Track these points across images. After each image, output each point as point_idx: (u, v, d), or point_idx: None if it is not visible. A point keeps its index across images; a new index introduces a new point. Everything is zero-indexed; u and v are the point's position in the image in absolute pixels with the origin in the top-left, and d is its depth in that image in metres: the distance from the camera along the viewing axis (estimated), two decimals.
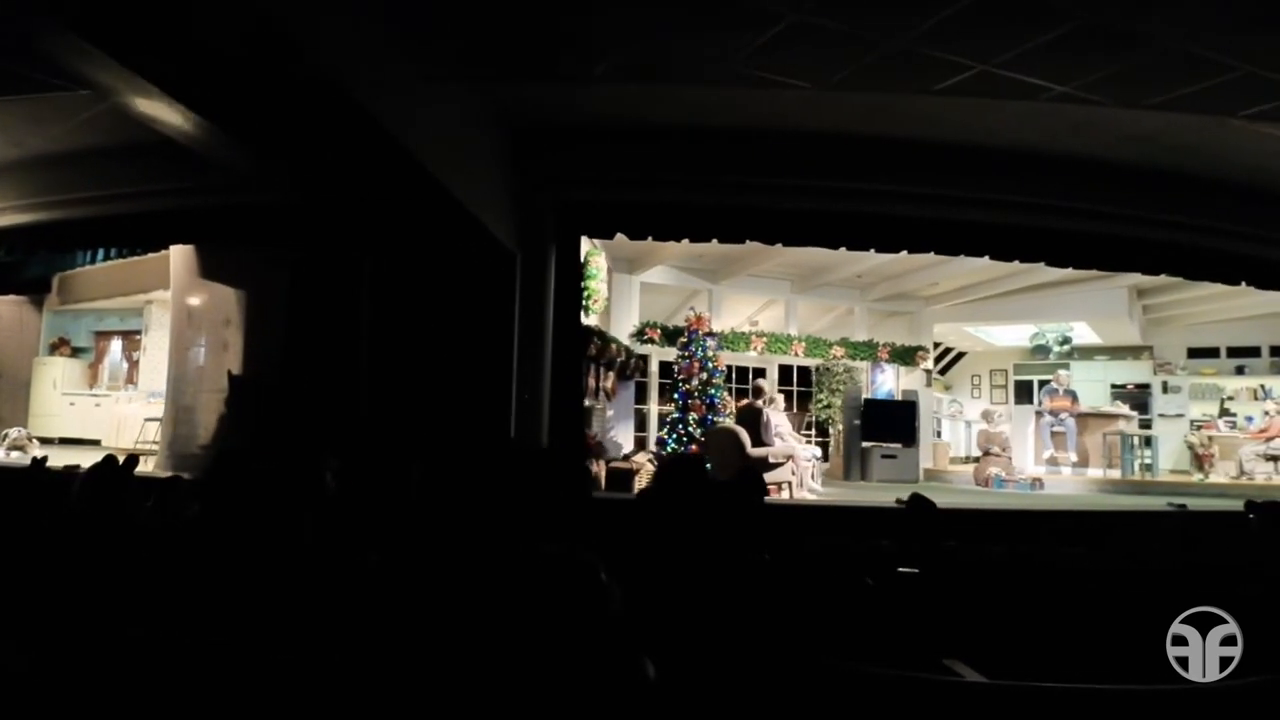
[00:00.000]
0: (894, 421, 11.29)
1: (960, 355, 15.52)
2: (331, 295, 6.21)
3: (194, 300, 7.62)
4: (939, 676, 1.43)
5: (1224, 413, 12.97)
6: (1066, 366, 13.97)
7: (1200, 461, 10.96)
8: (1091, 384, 13.97)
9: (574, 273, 6.72)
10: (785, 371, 12.37)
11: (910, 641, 2.13)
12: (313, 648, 1.43)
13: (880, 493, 9.14)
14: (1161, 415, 13.47)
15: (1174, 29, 3.34)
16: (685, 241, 7.44)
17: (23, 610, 1.86)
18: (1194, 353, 13.64)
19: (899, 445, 11.18)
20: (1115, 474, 10.80)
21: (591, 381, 7.65)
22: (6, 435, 8.87)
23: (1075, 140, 5.77)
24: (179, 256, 7.76)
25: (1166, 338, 13.74)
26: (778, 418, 9.13)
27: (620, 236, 7.07)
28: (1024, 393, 14.34)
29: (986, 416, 11.40)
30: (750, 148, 6.38)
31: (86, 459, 3.97)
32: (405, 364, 6.03)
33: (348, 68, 3.67)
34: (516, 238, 6.45)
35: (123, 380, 11.65)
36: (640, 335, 9.78)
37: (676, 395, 8.92)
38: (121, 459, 3.60)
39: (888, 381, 12.28)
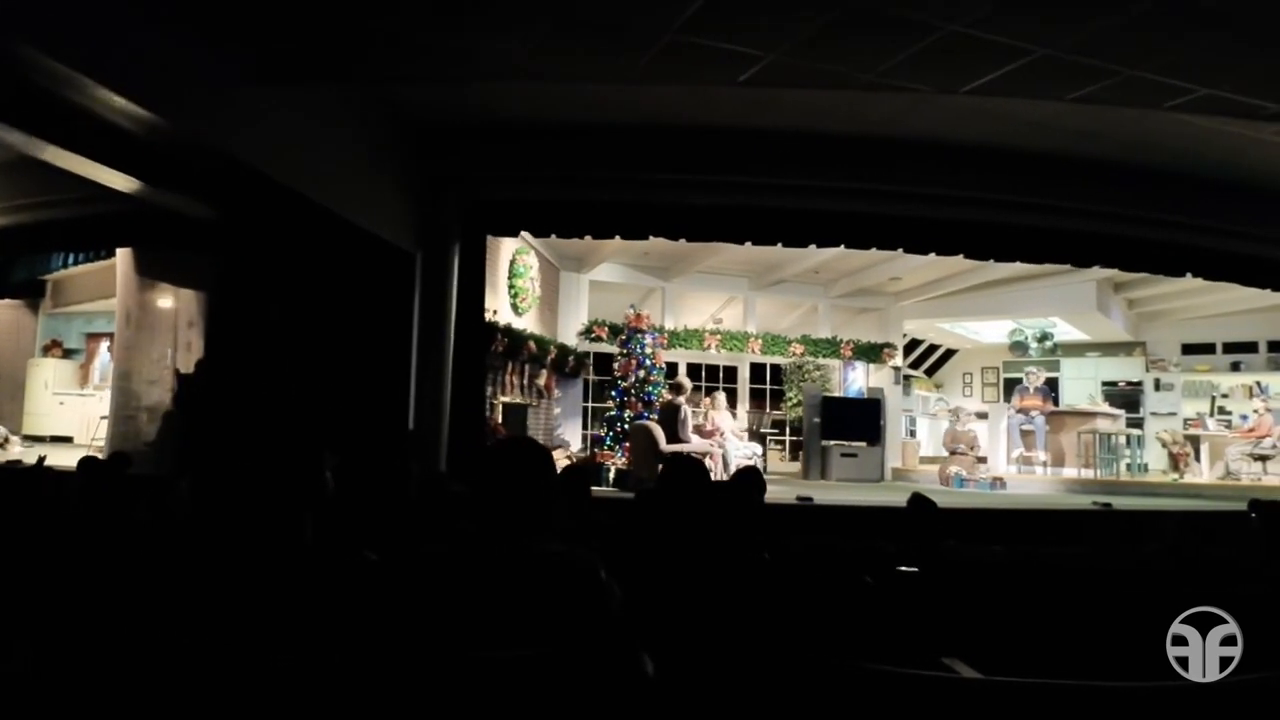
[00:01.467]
0: (856, 420, 11.13)
1: (951, 353, 15.22)
2: (244, 299, 6.41)
3: (135, 301, 7.94)
4: (937, 674, 1.46)
5: (1219, 410, 12.49)
6: (1056, 364, 13.65)
7: (1175, 461, 10.56)
8: (1082, 381, 13.59)
9: (478, 271, 6.81)
10: (758, 370, 12.31)
11: (909, 640, 2.14)
12: (312, 647, 1.45)
13: (838, 492, 9.07)
14: (1154, 414, 13.03)
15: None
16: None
17: (21, 610, 1.90)
18: (1188, 349, 13.16)
19: (863, 444, 11.03)
20: (1090, 474, 10.49)
21: (513, 379, 7.74)
22: None
23: (990, 130, 5.76)
24: (124, 259, 8.09)
25: (1159, 333, 13.29)
26: (718, 416, 9.12)
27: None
28: (1014, 391, 14.01)
29: (954, 415, 11.18)
30: (655, 144, 6.33)
31: (65, 456, 4.12)
32: (308, 367, 6.16)
33: (138, 84, 3.67)
34: (416, 238, 6.56)
35: (110, 380, 12.17)
36: (588, 333, 9.85)
37: (614, 393, 8.96)
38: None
39: (859, 379, 12.13)
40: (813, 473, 10.63)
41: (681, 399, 7.89)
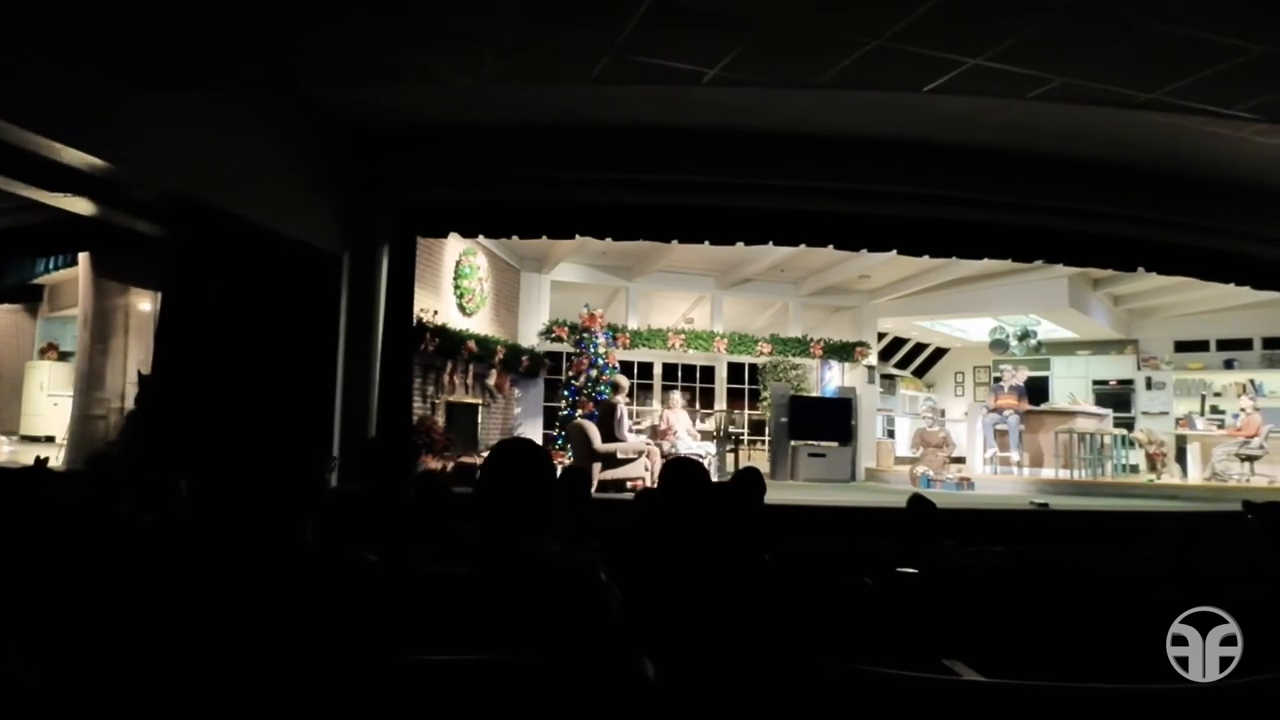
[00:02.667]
0: (827, 420, 11.04)
1: (941, 352, 14.99)
2: (183, 304, 6.59)
3: (94, 304, 8.19)
4: (938, 675, 1.46)
5: (1212, 410, 12.13)
6: (1046, 363, 13.39)
7: (1152, 461, 10.26)
8: (1072, 380, 13.31)
9: (407, 272, 6.91)
10: (736, 370, 12.27)
11: (909, 641, 2.15)
12: (312, 650, 1.46)
13: (805, 492, 9.04)
14: (1145, 413, 12.70)
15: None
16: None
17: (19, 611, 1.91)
18: (1181, 346, 12.83)
19: (835, 443, 10.94)
20: (1066, 474, 10.27)
21: (456, 379, 7.82)
22: None
23: (950, 129, 5.74)
24: (84, 263, 8.36)
25: (1151, 330, 12.98)
26: (673, 415, 9.13)
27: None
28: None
29: (926, 415, 11.02)
30: (581, 144, 6.37)
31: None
32: (237, 373, 6.29)
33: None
34: (344, 240, 6.67)
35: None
36: (548, 334, 9.92)
37: (566, 392, 9.01)
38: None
39: (836, 379, 12.02)
40: (780, 473, 10.56)
41: (619, 398, 7.93)
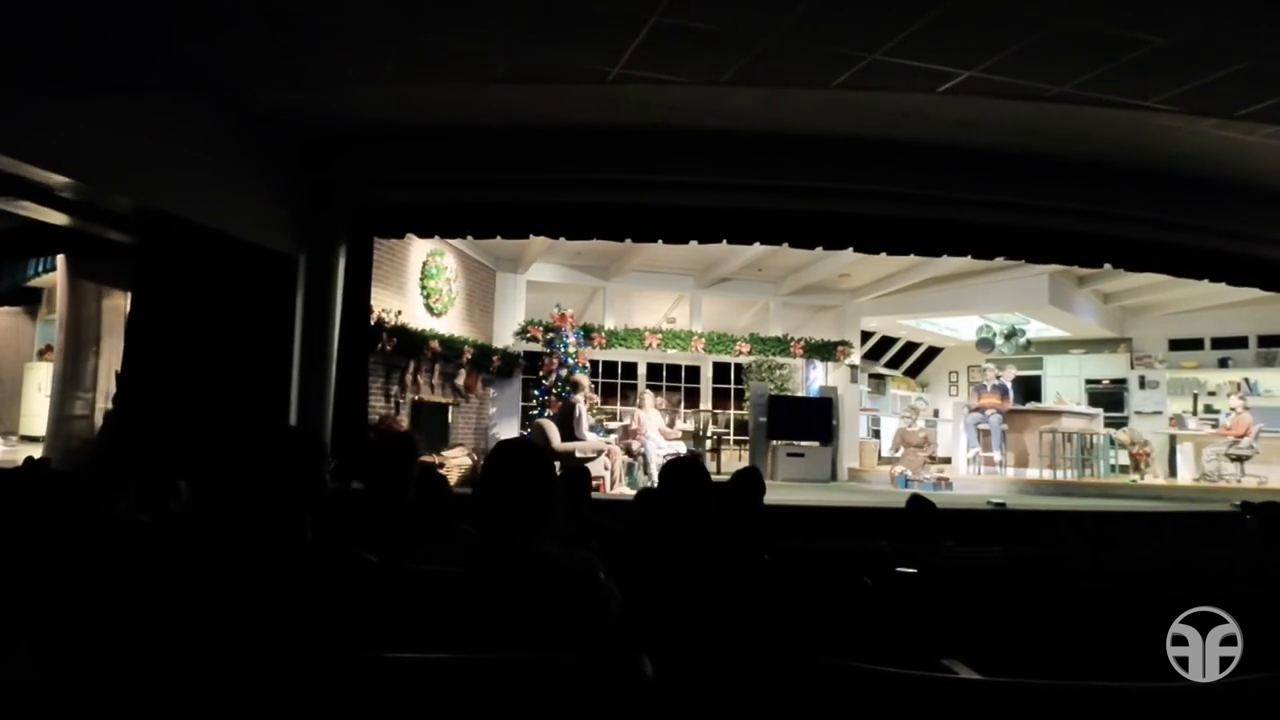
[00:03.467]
0: (807, 419, 10.98)
1: (935, 351, 14.84)
2: (150, 306, 6.72)
3: (71, 306, 8.36)
4: (936, 674, 1.46)
5: (1206, 409, 11.91)
6: (1039, 362, 13.24)
7: (1135, 461, 10.08)
8: (1065, 379, 13.14)
9: (364, 272, 6.98)
10: (722, 370, 12.26)
11: (908, 641, 2.16)
12: (312, 650, 1.46)
13: (783, 492, 8.99)
14: (1138, 413, 12.49)
15: None
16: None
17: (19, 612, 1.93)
18: (1176, 344, 12.60)
19: (816, 443, 10.88)
20: (1050, 474, 10.15)
21: (420, 378, 7.88)
22: None
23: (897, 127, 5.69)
24: (61, 265, 8.53)
25: (1145, 328, 12.77)
26: (644, 415, 9.15)
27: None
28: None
29: (906, 414, 10.93)
30: (532, 144, 6.38)
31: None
32: (192, 372, 6.40)
33: None
34: (300, 242, 6.75)
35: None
36: (523, 333, 9.97)
37: (537, 392, 9.06)
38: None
39: (821, 378, 11.96)
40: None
41: (578, 397, 7.97)
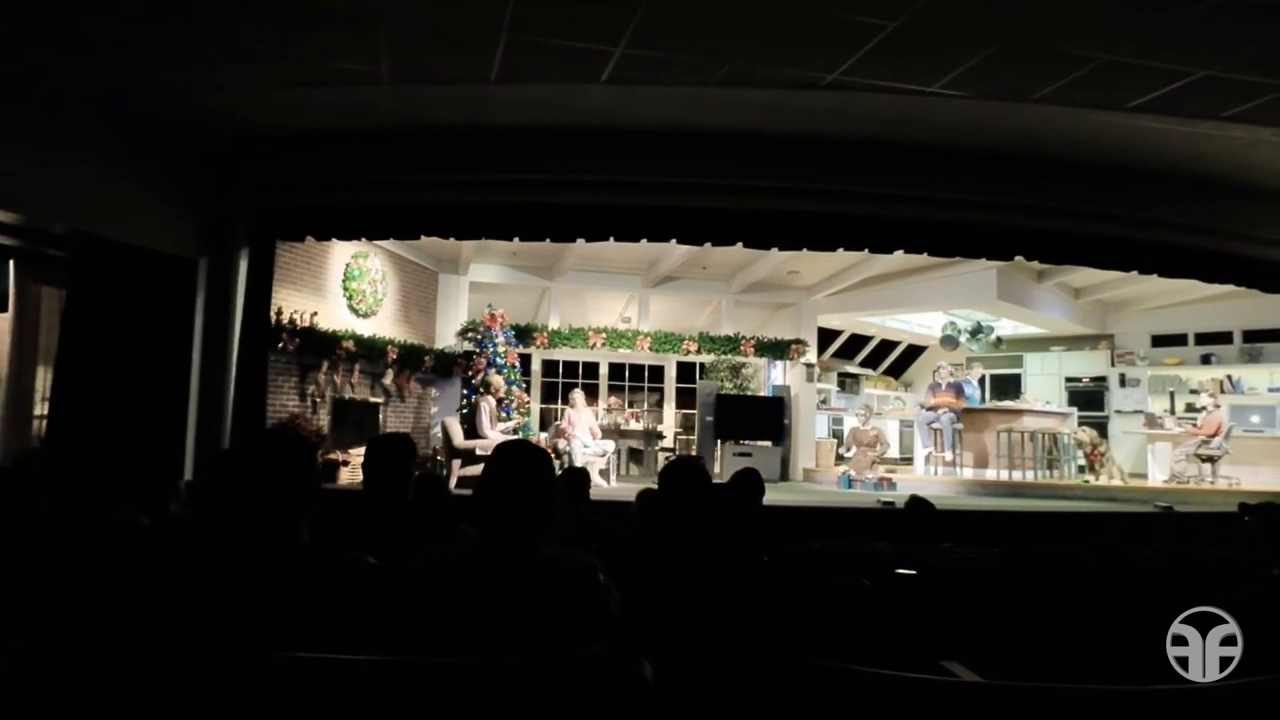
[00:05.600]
0: (757, 418, 10.84)
1: (919, 350, 14.47)
2: (70, 314, 7.04)
3: (17, 311, 8.75)
4: (935, 677, 1.48)
5: (1188, 407, 11.37)
6: (1019, 360, 12.83)
7: (1090, 462, 9.65)
8: (1045, 378, 12.71)
9: (265, 275, 7.15)
10: (687, 370, 12.19)
11: (907, 643, 2.17)
12: (311, 651, 1.43)
13: None
14: (1118, 411, 12.00)
15: None
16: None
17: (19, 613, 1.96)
18: (1159, 341, 12.08)
19: (768, 443, 10.74)
20: (1006, 475, 9.84)
21: (339, 378, 8.00)
22: None
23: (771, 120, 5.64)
24: (12, 269, 8.95)
25: (1127, 324, 12.29)
26: (575, 414, 9.19)
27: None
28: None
29: (860, 413, 10.70)
30: (427, 147, 6.48)
31: None
32: (98, 376, 6.66)
33: None
34: (201, 246, 6.96)
35: None
36: (465, 334, 10.06)
37: (466, 391, 9.15)
38: None
39: (780, 377, 11.79)
40: None
41: (487, 397, 8.03)
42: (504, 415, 8.87)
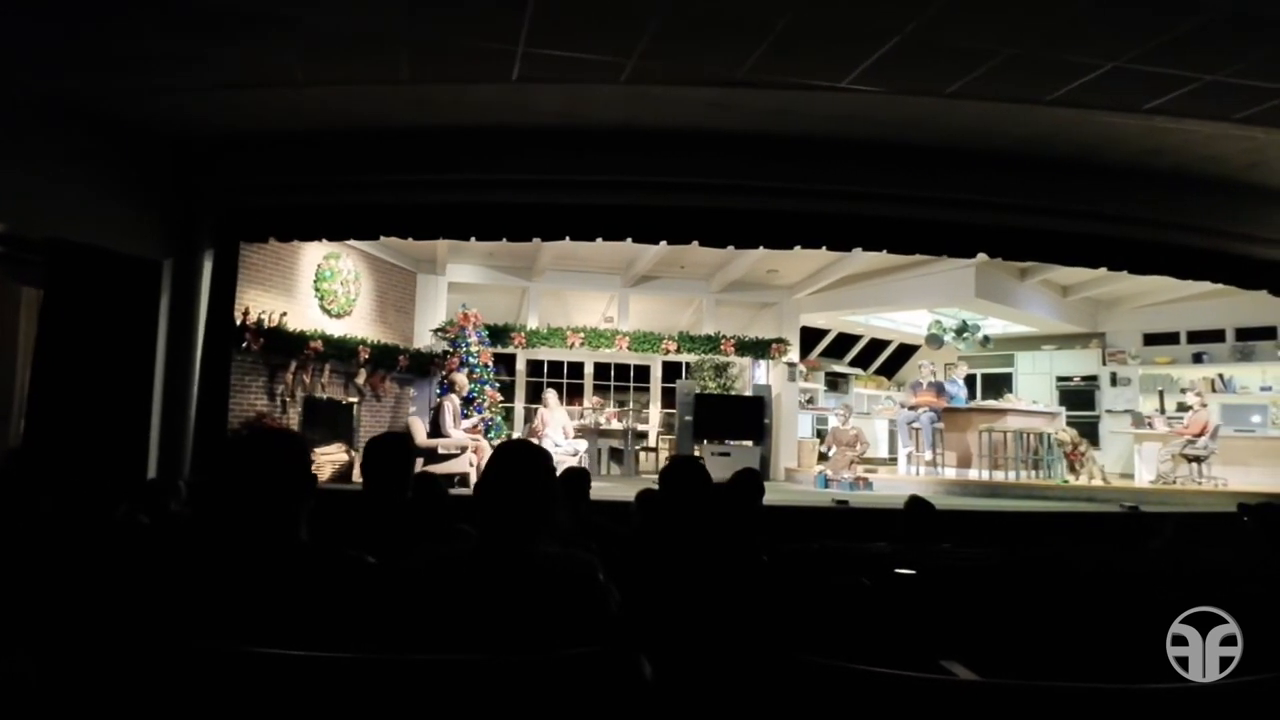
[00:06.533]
0: (737, 418, 10.78)
1: (912, 349, 14.33)
2: (48, 318, 7.16)
3: None
4: (935, 676, 1.48)
5: (1179, 407, 11.16)
6: (1011, 359, 12.69)
7: (1070, 462, 9.50)
8: (1037, 377, 12.55)
9: (229, 276, 7.21)
10: (674, 370, 12.16)
11: (906, 642, 2.16)
12: (310, 651, 1.41)
13: None
14: (1109, 411, 11.82)
15: None
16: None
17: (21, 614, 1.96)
18: (1151, 339, 11.89)
19: (749, 443, 10.68)
20: (988, 475, 9.73)
21: (309, 377, 8.07)
22: None
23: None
24: None
25: (1119, 322, 12.11)
26: (548, 413, 9.20)
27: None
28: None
29: (840, 412, 10.61)
30: (391, 148, 6.51)
31: None
32: (66, 377, 6.77)
33: None
34: (166, 247, 7.04)
35: None
36: (442, 333, 10.10)
37: (439, 390, 9.19)
38: None
39: (764, 377, 11.73)
40: None
41: (450, 396, 8.07)
42: (475, 414, 8.90)
